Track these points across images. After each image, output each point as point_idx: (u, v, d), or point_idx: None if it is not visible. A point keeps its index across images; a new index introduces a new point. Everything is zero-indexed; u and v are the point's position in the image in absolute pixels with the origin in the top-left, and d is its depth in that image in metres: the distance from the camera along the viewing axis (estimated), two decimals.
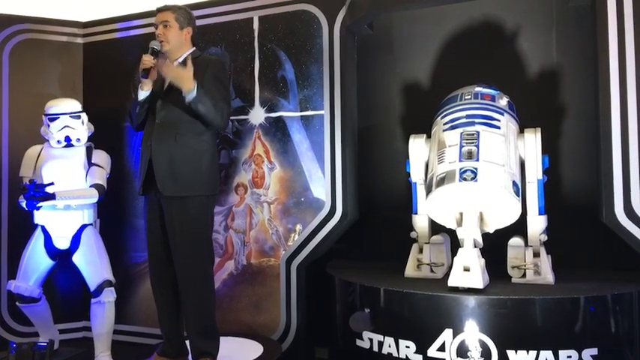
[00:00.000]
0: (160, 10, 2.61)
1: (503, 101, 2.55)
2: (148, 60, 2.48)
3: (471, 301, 2.15)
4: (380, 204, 3.22)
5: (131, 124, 2.70)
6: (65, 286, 3.45)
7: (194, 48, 2.65)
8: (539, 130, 2.47)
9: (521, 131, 2.51)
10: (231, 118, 3.20)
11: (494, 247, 2.42)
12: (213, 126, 2.52)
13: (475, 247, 2.26)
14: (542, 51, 2.88)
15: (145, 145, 2.54)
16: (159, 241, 2.52)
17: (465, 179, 2.27)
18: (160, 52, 2.56)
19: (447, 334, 2.16)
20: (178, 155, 2.46)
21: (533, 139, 2.46)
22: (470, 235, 2.26)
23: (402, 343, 2.26)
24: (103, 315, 2.95)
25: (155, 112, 2.53)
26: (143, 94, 2.53)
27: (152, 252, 2.56)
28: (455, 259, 2.27)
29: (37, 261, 3.00)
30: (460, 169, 2.30)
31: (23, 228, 3.16)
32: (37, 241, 3.01)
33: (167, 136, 2.47)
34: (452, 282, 2.23)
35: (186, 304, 2.48)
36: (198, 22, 3.00)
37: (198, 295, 2.46)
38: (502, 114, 2.50)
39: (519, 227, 2.44)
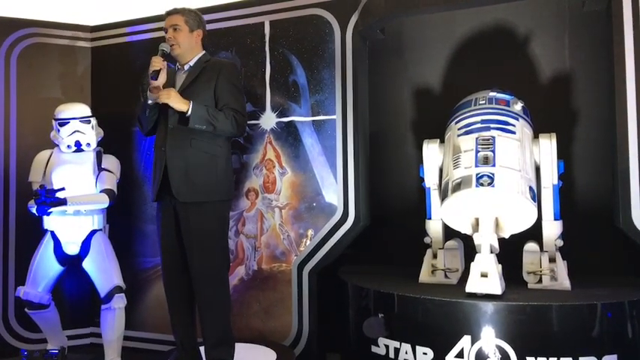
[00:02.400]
0: (169, 13, 2.58)
1: (518, 106, 2.54)
2: (157, 62, 2.43)
3: (490, 307, 2.13)
4: (391, 208, 3.21)
5: (140, 129, 2.67)
6: (72, 292, 3.42)
7: (204, 51, 2.64)
8: (554, 135, 2.46)
9: (536, 136, 2.50)
10: None
11: (507, 252, 2.40)
12: (227, 135, 2.50)
13: (492, 252, 2.25)
14: (555, 56, 2.88)
15: (159, 151, 2.51)
16: (173, 247, 2.49)
17: (481, 184, 2.26)
18: (170, 54, 2.53)
19: (465, 341, 2.14)
20: (194, 160, 2.43)
21: (548, 145, 2.45)
22: (487, 241, 2.25)
23: (420, 349, 2.24)
24: (113, 321, 2.93)
25: (167, 117, 2.49)
26: (153, 97, 2.48)
27: (166, 258, 2.53)
28: (472, 264, 2.25)
29: (46, 267, 2.98)
30: (477, 175, 2.29)
31: (31, 234, 3.14)
32: (47, 246, 2.99)
33: (181, 142, 2.45)
34: (469, 288, 2.21)
35: (201, 310, 2.45)
36: (209, 27, 2.99)
37: (214, 302, 2.44)
38: (517, 119, 2.49)
39: (534, 232, 2.43)
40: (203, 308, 2.44)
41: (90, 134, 3.06)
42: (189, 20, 2.56)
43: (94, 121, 3.12)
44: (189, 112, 2.38)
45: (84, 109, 3.10)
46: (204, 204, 2.43)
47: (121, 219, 3.35)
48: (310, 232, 3.04)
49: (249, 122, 3.19)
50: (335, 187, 2.99)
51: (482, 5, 2.75)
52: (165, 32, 2.56)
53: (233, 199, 2.82)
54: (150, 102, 2.50)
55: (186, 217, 2.43)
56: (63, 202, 2.73)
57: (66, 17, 3.66)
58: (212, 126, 2.41)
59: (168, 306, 2.55)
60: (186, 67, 2.58)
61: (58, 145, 3.08)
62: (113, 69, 3.58)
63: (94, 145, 3.09)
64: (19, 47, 3.51)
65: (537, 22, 2.90)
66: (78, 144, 3.03)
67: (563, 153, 2.58)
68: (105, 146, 3.19)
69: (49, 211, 2.73)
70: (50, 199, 2.68)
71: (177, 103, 2.40)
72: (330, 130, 3.02)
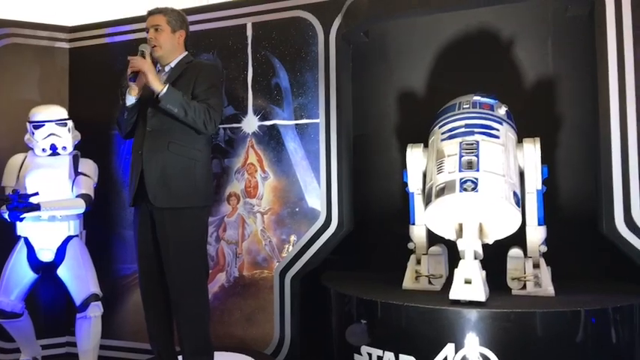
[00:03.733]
0: (151, 12, 2.51)
1: (502, 110, 2.52)
2: (136, 62, 2.35)
3: (474, 314, 2.10)
4: (375, 214, 3.17)
5: (119, 132, 2.59)
6: (47, 300, 3.32)
7: (186, 52, 2.57)
8: (538, 140, 2.44)
9: (520, 141, 2.49)
10: (224, 126, 3.13)
11: (490, 257, 2.37)
12: (198, 130, 2.40)
13: (476, 258, 2.22)
14: (539, 60, 2.87)
15: (136, 155, 2.43)
16: (150, 254, 2.42)
17: (465, 190, 2.23)
18: (151, 55, 2.45)
19: (448, 349, 2.10)
20: (171, 165, 2.36)
21: (532, 149, 2.44)
22: (470, 247, 2.22)
23: (403, 357, 2.20)
24: (89, 330, 2.85)
25: (146, 120, 2.42)
26: (131, 99, 2.41)
27: (143, 266, 2.46)
28: (455, 271, 2.22)
29: (19, 274, 2.89)
30: (460, 180, 2.26)
31: (4, 240, 3.03)
32: (20, 253, 2.90)
33: (159, 145, 2.37)
34: (453, 295, 2.18)
35: (179, 319, 2.38)
36: (191, 28, 2.93)
37: (193, 311, 2.37)
38: (501, 123, 2.47)
39: (517, 237, 2.41)
40: (181, 317, 2.37)
41: (66, 137, 2.99)
42: (171, 20, 2.49)
43: (70, 123, 3.04)
44: (164, 91, 2.28)
45: (60, 112, 3.02)
46: (181, 210, 2.36)
47: (99, 224, 3.27)
48: (293, 238, 2.99)
49: (230, 125, 3.15)
50: (318, 192, 2.94)
51: (466, 9, 2.73)
52: (147, 32, 2.49)
53: (212, 205, 2.75)
54: (128, 104, 2.43)
55: (162, 223, 2.36)
56: (36, 207, 2.64)
57: (44, 17, 3.58)
58: (183, 110, 2.30)
59: (145, 314, 2.47)
60: (166, 69, 2.51)
61: (32, 149, 2.99)
62: (92, 70, 3.50)
63: (70, 148, 3.01)
64: None
65: (521, 27, 2.89)
66: (53, 147, 2.94)
67: (546, 158, 2.56)
68: (83, 149, 3.11)
69: (22, 216, 2.64)
70: (23, 204, 2.59)
71: (155, 80, 2.30)
72: (313, 134, 2.98)
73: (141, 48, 2.42)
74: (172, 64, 2.50)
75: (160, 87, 2.29)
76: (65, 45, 3.58)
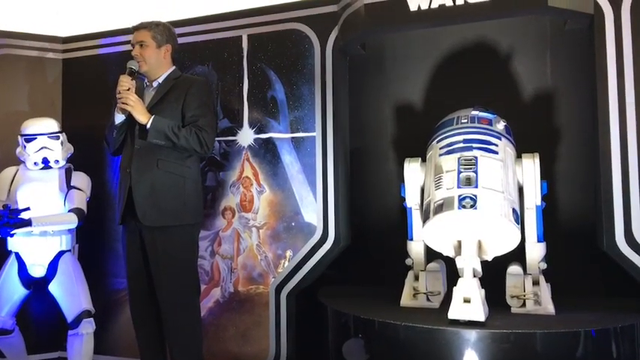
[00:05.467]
0: (136, 28, 2.51)
1: (501, 125, 2.49)
2: (125, 81, 2.36)
3: (473, 334, 2.06)
4: (371, 228, 3.13)
5: (107, 149, 2.60)
6: (38, 316, 3.26)
7: (174, 67, 2.55)
8: (537, 155, 2.42)
9: (519, 156, 2.46)
10: (219, 139, 3.10)
11: (489, 273, 2.34)
12: (191, 153, 2.40)
13: (474, 276, 2.19)
14: (537, 74, 2.85)
15: (124, 172, 2.42)
16: (140, 273, 2.40)
17: (464, 207, 2.19)
18: (138, 72, 2.45)
19: None
20: (160, 182, 2.34)
21: (531, 165, 2.41)
22: (469, 265, 2.18)
23: None
24: (80, 347, 2.80)
25: (134, 137, 2.41)
26: (120, 117, 2.42)
27: (132, 285, 2.43)
28: (454, 289, 2.18)
29: (10, 290, 2.84)
30: (459, 196, 2.22)
31: None
32: (11, 269, 2.85)
33: (148, 163, 2.36)
34: (452, 314, 2.14)
35: (171, 337, 2.34)
36: (185, 40, 2.92)
37: (184, 329, 2.33)
38: (500, 138, 2.44)
39: (516, 253, 2.37)
40: (172, 336, 2.33)
41: (58, 150, 2.94)
42: (156, 35, 2.48)
43: (63, 136, 2.99)
44: (149, 126, 2.29)
45: (52, 124, 2.97)
46: (171, 228, 2.33)
47: (92, 238, 3.22)
48: (289, 253, 2.95)
49: (226, 138, 3.11)
50: (314, 207, 2.90)
51: (464, 22, 2.70)
52: (133, 48, 2.49)
53: (204, 218, 2.70)
54: (117, 122, 2.42)
55: (152, 241, 2.32)
56: (27, 223, 2.60)
57: (37, 28, 3.54)
58: (171, 142, 2.31)
59: (136, 333, 2.44)
60: (154, 84, 2.51)
61: (24, 162, 2.94)
62: (85, 82, 3.46)
63: (62, 162, 2.96)
64: None
65: (519, 40, 2.87)
66: (45, 161, 2.90)
67: (545, 172, 2.53)
68: (76, 163, 3.06)
69: (12, 232, 2.60)
70: (13, 220, 2.55)
71: (139, 114, 2.32)
72: (309, 148, 2.94)
73: (129, 65, 2.44)
74: (160, 80, 2.50)
75: (145, 120, 2.31)
76: (58, 56, 3.54)
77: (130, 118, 2.41)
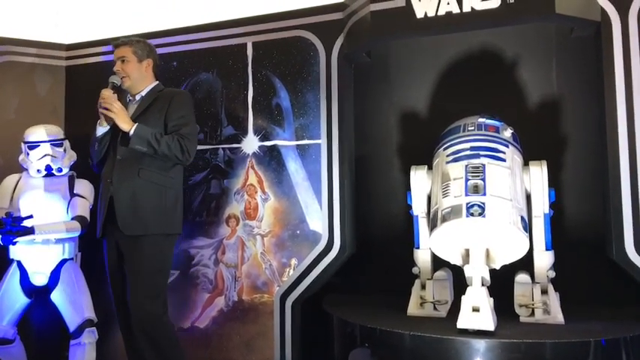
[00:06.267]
0: (117, 45, 2.56)
1: (508, 133, 2.48)
2: (108, 95, 2.40)
3: (482, 344, 2.04)
4: (377, 236, 3.11)
5: (90, 162, 2.62)
6: (40, 325, 3.22)
7: (157, 82, 2.60)
8: (544, 162, 2.40)
9: (526, 163, 2.44)
10: (223, 146, 3.09)
11: (496, 282, 2.31)
12: (173, 161, 2.42)
13: (483, 285, 2.16)
14: (544, 81, 2.84)
15: (105, 183, 2.45)
16: (121, 286, 2.40)
17: (472, 214, 2.18)
18: (121, 87, 2.51)
19: None
20: (141, 191, 2.36)
21: (539, 172, 2.39)
22: (478, 274, 2.16)
23: None
24: (83, 357, 2.78)
25: (116, 149, 2.45)
26: (102, 129, 2.47)
27: (116, 298, 2.46)
28: (463, 298, 2.16)
29: (11, 299, 2.81)
30: (467, 204, 2.20)
31: None
32: (12, 277, 2.83)
33: (129, 172, 2.38)
34: (461, 324, 2.11)
35: (143, 350, 2.32)
36: (190, 47, 2.93)
37: (153, 340, 2.31)
38: (507, 146, 2.43)
39: (524, 261, 2.35)
40: (144, 348, 2.31)
41: (61, 158, 2.92)
42: (137, 51, 2.54)
43: (66, 143, 2.98)
44: (132, 132, 2.33)
45: (55, 132, 2.96)
46: (145, 237, 2.34)
47: (94, 246, 3.17)
48: (294, 262, 2.92)
49: (230, 146, 3.09)
50: (320, 214, 2.88)
51: (471, 30, 2.70)
52: (114, 64, 2.54)
53: (179, 233, 2.61)
54: (99, 134, 2.47)
55: (127, 250, 2.36)
56: (30, 231, 2.58)
57: (40, 35, 3.53)
58: (152, 148, 2.33)
59: (125, 344, 2.44)
60: (137, 97, 2.55)
61: (27, 170, 2.92)
62: (89, 89, 3.39)
63: (65, 169, 2.94)
64: None
65: (525, 48, 2.86)
66: (48, 168, 2.88)
67: (552, 180, 2.52)
68: (79, 170, 3.04)
69: (15, 240, 2.57)
70: (16, 227, 2.53)
71: (123, 122, 2.35)
72: (314, 155, 2.93)
73: (111, 80, 2.49)
74: (143, 93, 2.55)
75: (128, 128, 2.34)
76: (61, 63, 3.53)
77: (113, 129, 2.45)
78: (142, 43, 2.58)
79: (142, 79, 2.55)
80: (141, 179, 2.37)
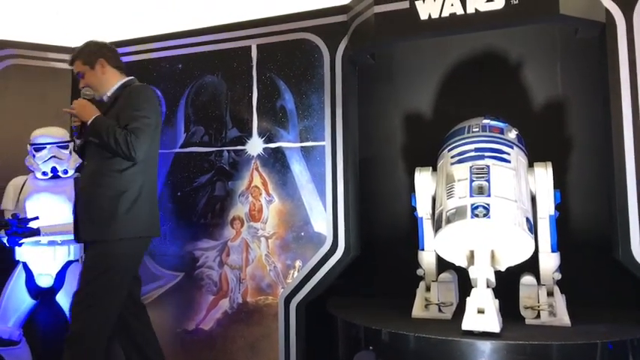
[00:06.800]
0: (70, 64, 2.56)
1: (512, 134, 2.47)
2: (74, 101, 2.42)
3: (487, 345, 2.03)
4: (381, 238, 3.10)
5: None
6: (46, 327, 3.23)
7: (125, 78, 2.54)
8: (549, 164, 2.39)
9: (531, 165, 2.44)
10: (228, 148, 3.09)
11: (501, 283, 2.30)
12: (120, 155, 2.33)
13: (488, 287, 2.15)
14: (548, 82, 2.83)
15: (76, 190, 2.44)
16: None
17: (477, 215, 2.17)
18: (94, 98, 2.49)
19: None
20: (96, 197, 2.30)
21: (544, 174, 2.38)
22: (483, 275, 2.16)
23: None
24: None
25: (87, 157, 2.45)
26: (79, 142, 2.46)
27: None
28: (468, 300, 2.15)
29: (17, 300, 2.83)
30: (472, 205, 2.20)
31: (3, 265, 2.97)
32: (18, 279, 2.84)
33: (91, 180, 2.35)
34: (466, 325, 2.10)
35: None
36: (195, 50, 2.93)
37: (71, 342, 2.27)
38: (511, 147, 2.42)
39: (530, 263, 2.34)
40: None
41: (67, 160, 2.95)
42: (85, 59, 2.51)
43: (72, 146, 2.99)
44: (88, 123, 2.33)
45: (61, 134, 2.98)
46: (96, 243, 2.29)
47: None
48: (298, 263, 2.92)
49: (235, 148, 3.10)
50: (324, 216, 2.88)
51: (476, 31, 2.70)
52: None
53: (151, 237, 2.51)
54: (76, 148, 2.51)
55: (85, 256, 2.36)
56: (36, 232, 2.60)
57: (46, 38, 3.56)
58: (104, 141, 2.29)
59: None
60: (105, 99, 2.54)
61: (33, 172, 2.94)
62: None
63: (71, 171, 2.97)
64: None
65: (530, 49, 2.86)
66: (54, 170, 2.90)
67: (557, 181, 2.51)
68: None
69: (21, 242, 2.59)
70: (22, 229, 2.55)
71: (85, 115, 2.36)
72: (319, 157, 2.93)
73: (83, 92, 2.48)
74: (109, 94, 2.52)
75: (88, 119, 2.34)
76: (67, 66, 3.54)
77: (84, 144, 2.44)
78: (88, 47, 2.53)
79: (103, 82, 2.51)
80: (96, 184, 2.32)
